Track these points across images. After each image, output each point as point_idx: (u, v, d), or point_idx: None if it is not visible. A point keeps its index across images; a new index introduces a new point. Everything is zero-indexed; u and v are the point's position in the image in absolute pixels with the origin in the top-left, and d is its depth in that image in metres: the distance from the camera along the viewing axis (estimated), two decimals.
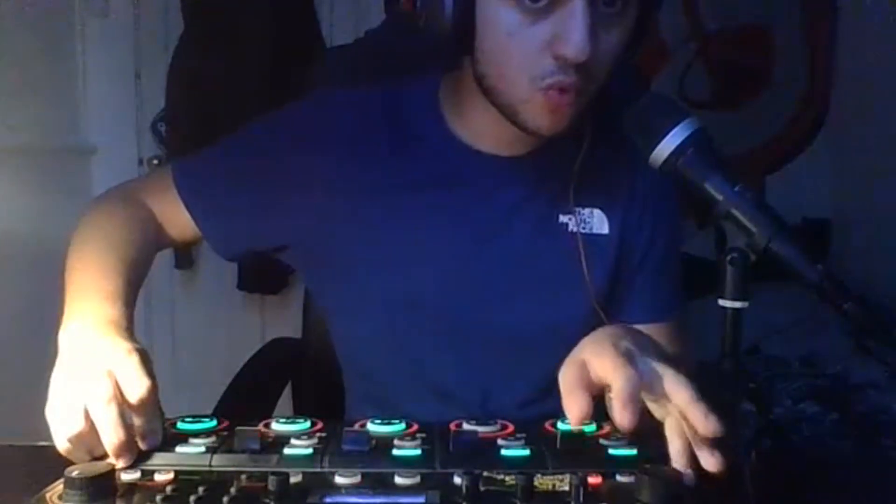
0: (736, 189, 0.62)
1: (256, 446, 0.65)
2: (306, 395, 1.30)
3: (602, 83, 0.77)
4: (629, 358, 0.64)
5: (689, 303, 0.98)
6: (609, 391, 0.65)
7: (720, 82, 2.65)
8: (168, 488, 0.58)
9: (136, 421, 0.65)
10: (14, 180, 1.65)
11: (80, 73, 2.09)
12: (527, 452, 0.65)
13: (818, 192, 2.59)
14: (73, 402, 0.64)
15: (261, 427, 0.70)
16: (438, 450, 0.66)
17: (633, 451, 0.66)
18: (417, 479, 0.60)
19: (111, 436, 0.63)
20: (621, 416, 0.60)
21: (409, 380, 0.92)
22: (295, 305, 1.66)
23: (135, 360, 0.66)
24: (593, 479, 0.60)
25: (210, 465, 0.63)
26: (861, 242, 2.39)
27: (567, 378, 0.64)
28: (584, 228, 0.89)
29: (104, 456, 0.64)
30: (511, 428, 0.71)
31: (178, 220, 0.92)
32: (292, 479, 0.59)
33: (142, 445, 0.65)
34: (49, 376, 0.67)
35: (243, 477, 0.59)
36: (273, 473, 0.57)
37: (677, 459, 0.63)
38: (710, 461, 0.61)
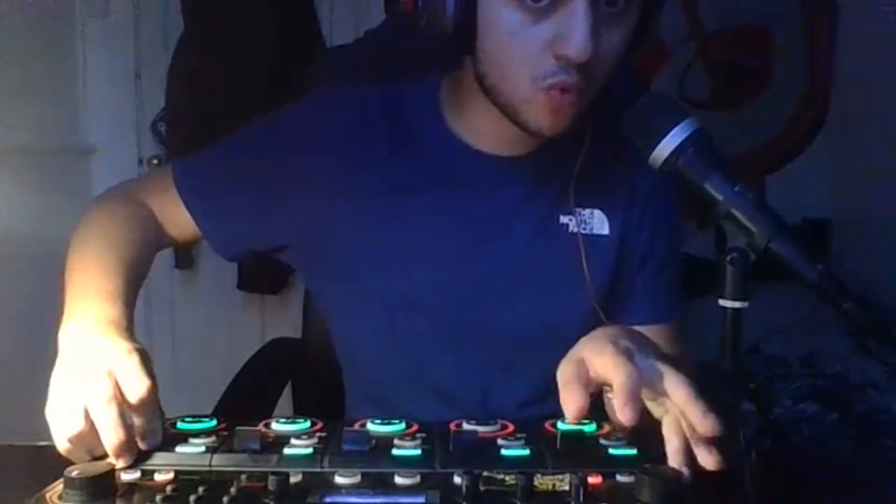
0: (736, 189, 0.61)
1: (256, 446, 0.65)
2: (306, 395, 1.30)
3: (603, 83, 0.77)
4: (629, 356, 0.64)
5: (689, 303, 0.98)
6: (608, 389, 0.65)
7: (720, 82, 2.64)
8: (168, 488, 0.58)
9: (136, 421, 0.65)
10: (14, 180, 1.65)
11: (80, 73, 2.09)
12: (527, 452, 0.65)
13: (818, 192, 2.59)
14: (73, 402, 0.64)
15: (261, 427, 0.70)
16: (438, 450, 0.65)
17: (633, 451, 0.65)
18: (417, 479, 0.60)
19: (111, 436, 0.63)
20: (623, 412, 0.60)
21: (409, 380, 0.92)
22: (295, 305, 1.66)
23: (135, 360, 0.66)
24: (593, 479, 0.60)
25: (210, 465, 0.63)
26: (861, 242, 2.38)
27: (564, 374, 0.64)
28: (584, 229, 0.89)
29: (104, 456, 0.64)
30: (511, 428, 0.71)
31: (178, 219, 0.92)
32: (292, 479, 0.59)
33: (142, 445, 0.65)
34: (49, 376, 0.67)
35: (243, 477, 0.59)
36: (273, 473, 0.57)
37: (674, 457, 0.63)
38: (708, 459, 0.62)
